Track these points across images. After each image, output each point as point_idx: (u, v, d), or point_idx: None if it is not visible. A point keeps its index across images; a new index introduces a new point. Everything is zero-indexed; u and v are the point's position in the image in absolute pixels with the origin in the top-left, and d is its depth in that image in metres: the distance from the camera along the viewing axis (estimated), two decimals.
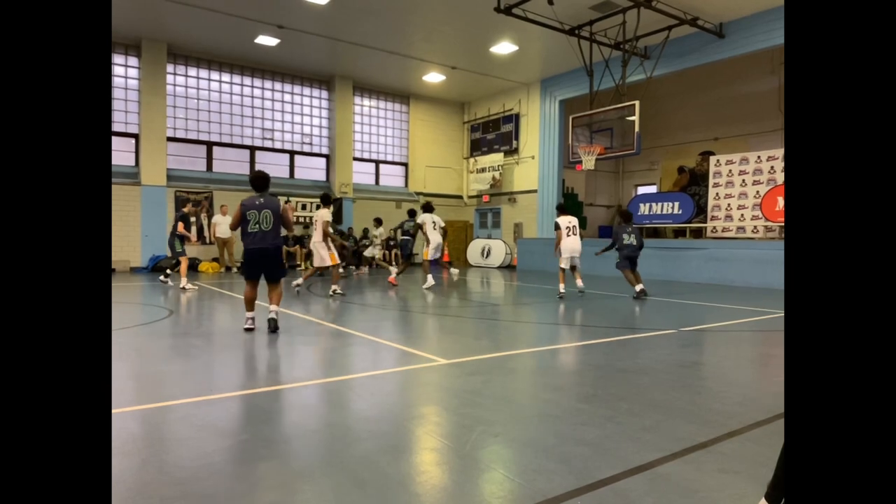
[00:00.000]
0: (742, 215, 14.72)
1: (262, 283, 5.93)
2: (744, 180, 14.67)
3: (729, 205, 15.01)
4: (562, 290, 9.41)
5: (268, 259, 5.79)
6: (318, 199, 16.81)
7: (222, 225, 14.12)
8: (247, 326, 5.78)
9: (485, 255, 18.71)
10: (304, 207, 16.84)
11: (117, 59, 14.44)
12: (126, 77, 14.55)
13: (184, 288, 9.77)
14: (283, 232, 6.06)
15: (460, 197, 20.56)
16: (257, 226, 5.65)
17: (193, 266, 14.56)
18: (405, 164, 19.62)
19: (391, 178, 19.44)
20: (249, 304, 5.87)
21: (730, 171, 15.00)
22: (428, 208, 10.86)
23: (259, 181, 5.80)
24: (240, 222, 5.69)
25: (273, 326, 5.74)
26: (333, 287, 9.21)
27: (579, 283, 9.54)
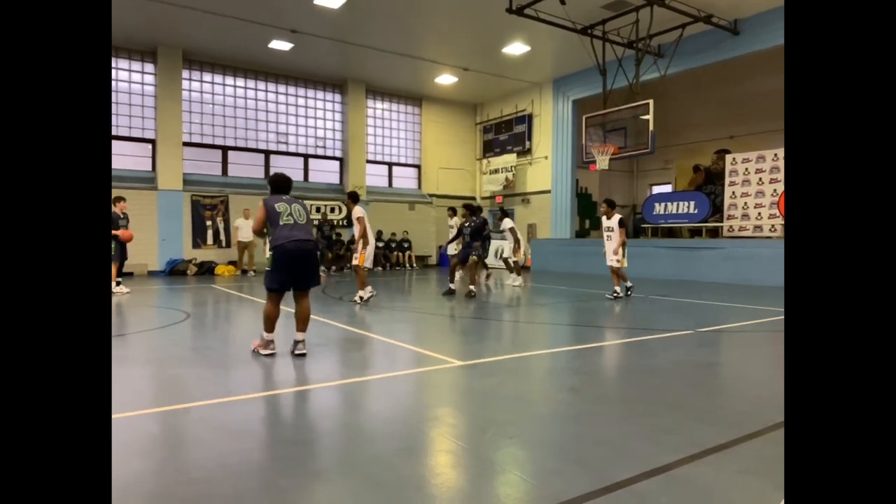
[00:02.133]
0: (759, 214, 14.53)
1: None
2: (760, 178, 14.49)
3: (745, 203, 14.82)
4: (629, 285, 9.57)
5: (306, 259, 4.70)
6: (332, 202, 17.13)
7: (244, 229, 14.19)
8: (267, 352, 4.75)
9: (498, 255, 18.67)
10: (318, 210, 16.96)
11: (134, 65, 14.66)
12: (143, 83, 14.77)
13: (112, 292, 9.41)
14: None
15: (473, 198, 20.53)
16: (290, 218, 4.68)
17: (210, 269, 14.73)
18: (418, 166, 19.66)
19: (404, 179, 19.49)
20: (271, 323, 4.76)
21: (746, 169, 14.82)
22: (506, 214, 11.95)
23: (282, 183, 4.93)
24: (265, 221, 4.72)
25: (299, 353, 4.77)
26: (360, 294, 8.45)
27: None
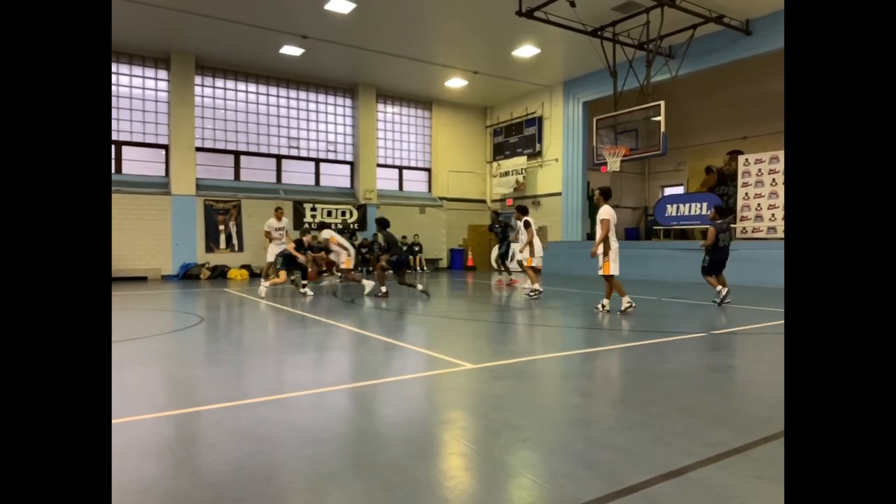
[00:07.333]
0: (773, 215, 14.38)
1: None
2: (774, 179, 14.34)
3: (759, 205, 14.68)
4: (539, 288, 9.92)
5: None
6: (343, 206, 17.21)
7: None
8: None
9: (509, 258, 18.64)
10: (329, 214, 17.06)
11: (147, 72, 14.86)
12: (156, 90, 14.96)
13: (304, 293, 10.27)
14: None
15: (483, 201, 20.54)
16: (722, 242, 8.71)
17: (223, 273, 14.89)
18: (428, 170, 19.71)
19: (414, 183, 19.54)
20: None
21: (759, 170, 14.68)
22: (524, 211, 10.78)
23: (724, 210, 7.81)
24: (714, 240, 8.72)
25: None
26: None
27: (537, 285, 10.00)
